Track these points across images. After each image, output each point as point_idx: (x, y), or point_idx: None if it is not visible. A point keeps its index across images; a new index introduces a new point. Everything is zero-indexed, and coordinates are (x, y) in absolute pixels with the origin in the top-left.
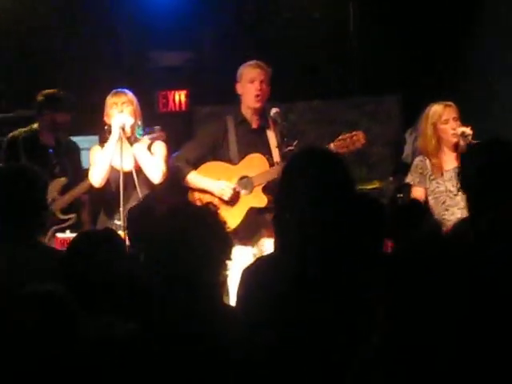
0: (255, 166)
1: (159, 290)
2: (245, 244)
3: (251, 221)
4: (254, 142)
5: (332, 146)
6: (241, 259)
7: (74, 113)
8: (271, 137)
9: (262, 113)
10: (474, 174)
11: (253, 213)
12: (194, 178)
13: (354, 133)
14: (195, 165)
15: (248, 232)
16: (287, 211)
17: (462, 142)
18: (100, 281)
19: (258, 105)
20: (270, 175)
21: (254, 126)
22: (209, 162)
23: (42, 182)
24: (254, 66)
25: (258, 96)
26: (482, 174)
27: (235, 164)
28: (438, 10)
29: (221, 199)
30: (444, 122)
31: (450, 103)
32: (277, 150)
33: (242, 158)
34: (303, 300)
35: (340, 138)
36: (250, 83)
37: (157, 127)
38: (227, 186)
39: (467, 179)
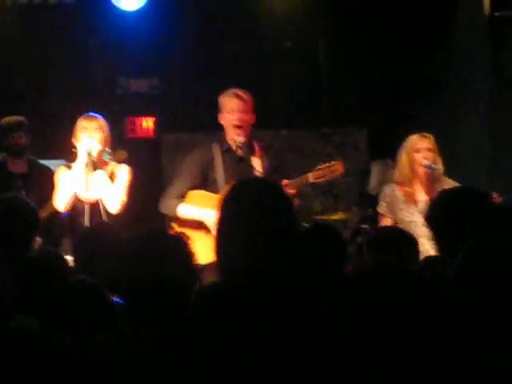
0: None
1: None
2: None
3: None
4: (240, 171)
5: (310, 175)
6: None
7: (30, 134)
8: (257, 164)
9: (248, 140)
10: (440, 217)
11: None
12: (184, 209)
13: (332, 163)
14: (184, 198)
15: None
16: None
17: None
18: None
19: (239, 138)
20: None
21: (240, 154)
22: (194, 191)
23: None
24: (232, 96)
25: (239, 127)
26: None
27: (218, 193)
28: (406, 45)
29: (207, 229)
30: (416, 150)
31: (427, 134)
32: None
33: None
34: (256, 328)
35: (319, 167)
36: (230, 114)
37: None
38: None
39: (434, 222)
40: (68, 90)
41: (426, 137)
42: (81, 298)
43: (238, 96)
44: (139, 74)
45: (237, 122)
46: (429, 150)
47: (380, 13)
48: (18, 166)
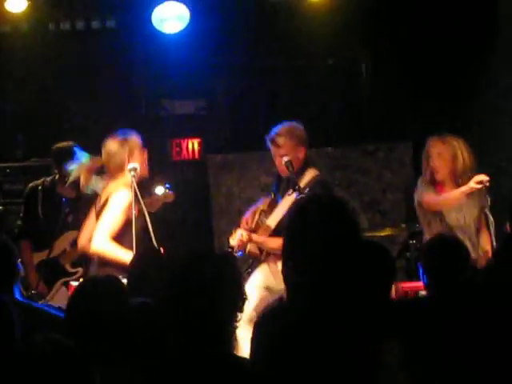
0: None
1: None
2: None
3: None
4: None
5: None
6: None
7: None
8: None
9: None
10: None
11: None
12: None
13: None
14: None
15: None
16: (292, 260)
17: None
18: (107, 327)
19: (285, 176)
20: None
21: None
22: None
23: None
24: (270, 142)
25: (279, 168)
26: None
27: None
28: (450, 59)
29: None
30: (430, 155)
31: (439, 139)
32: None
33: None
34: (310, 345)
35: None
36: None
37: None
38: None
39: None
40: (112, 113)
41: (439, 142)
42: (140, 320)
43: (272, 141)
44: (183, 95)
45: (276, 165)
46: (439, 155)
47: (421, 27)
48: (67, 190)
